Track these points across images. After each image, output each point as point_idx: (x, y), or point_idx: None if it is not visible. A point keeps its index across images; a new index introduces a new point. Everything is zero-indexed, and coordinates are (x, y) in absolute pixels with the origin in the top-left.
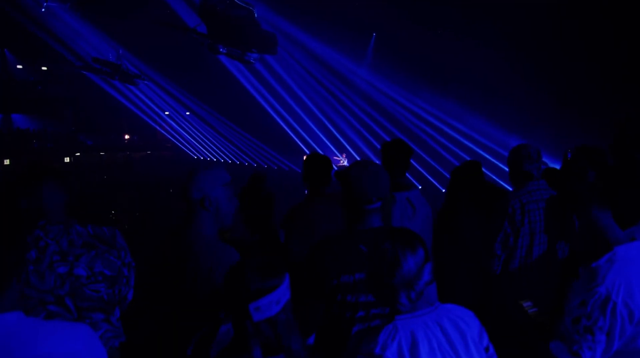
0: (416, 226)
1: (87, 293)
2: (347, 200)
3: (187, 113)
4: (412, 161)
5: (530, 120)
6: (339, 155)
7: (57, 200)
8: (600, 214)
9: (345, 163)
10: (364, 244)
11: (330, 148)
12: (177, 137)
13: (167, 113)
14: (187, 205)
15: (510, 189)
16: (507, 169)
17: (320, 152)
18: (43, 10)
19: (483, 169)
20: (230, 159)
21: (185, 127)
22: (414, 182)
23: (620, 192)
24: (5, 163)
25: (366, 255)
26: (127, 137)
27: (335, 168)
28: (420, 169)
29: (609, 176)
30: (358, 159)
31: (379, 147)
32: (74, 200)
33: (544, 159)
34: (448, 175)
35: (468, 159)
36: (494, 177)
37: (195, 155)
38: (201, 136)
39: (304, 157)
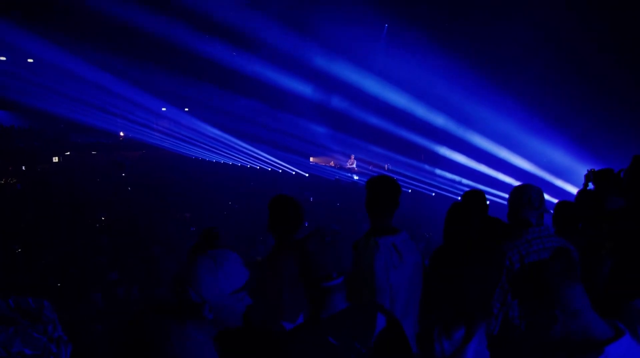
0: (403, 276)
1: None
2: (305, 277)
3: (186, 109)
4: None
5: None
6: (347, 157)
7: None
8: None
9: (355, 166)
10: (332, 336)
11: (337, 150)
12: (175, 135)
13: (164, 109)
14: (178, 302)
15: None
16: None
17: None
18: None
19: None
20: (231, 161)
21: (183, 126)
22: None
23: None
24: None
25: (338, 350)
26: (121, 134)
27: (350, 174)
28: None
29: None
30: (366, 163)
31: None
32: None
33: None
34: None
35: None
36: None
37: (194, 155)
38: (200, 136)
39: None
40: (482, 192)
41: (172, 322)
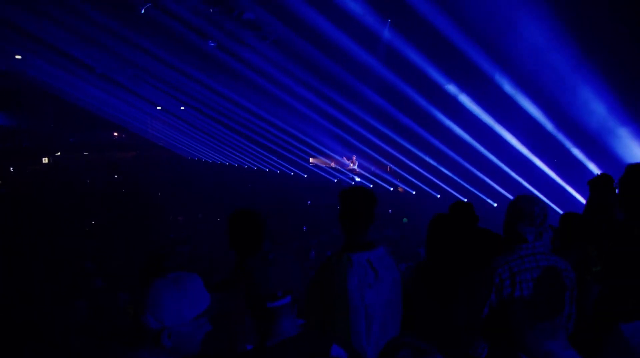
0: (380, 296)
1: None
2: (249, 298)
3: (182, 108)
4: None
5: None
6: (348, 157)
7: None
8: None
9: (356, 167)
10: None
11: (338, 149)
12: (170, 135)
13: (159, 107)
14: (135, 329)
15: None
16: None
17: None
18: None
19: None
20: (228, 162)
21: (179, 125)
22: None
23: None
24: None
25: None
26: (115, 134)
27: (350, 174)
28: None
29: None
30: (369, 162)
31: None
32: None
33: None
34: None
35: None
36: None
37: (190, 156)
38: (197, 135)
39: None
40: (470, 204)
41: (126, 350)
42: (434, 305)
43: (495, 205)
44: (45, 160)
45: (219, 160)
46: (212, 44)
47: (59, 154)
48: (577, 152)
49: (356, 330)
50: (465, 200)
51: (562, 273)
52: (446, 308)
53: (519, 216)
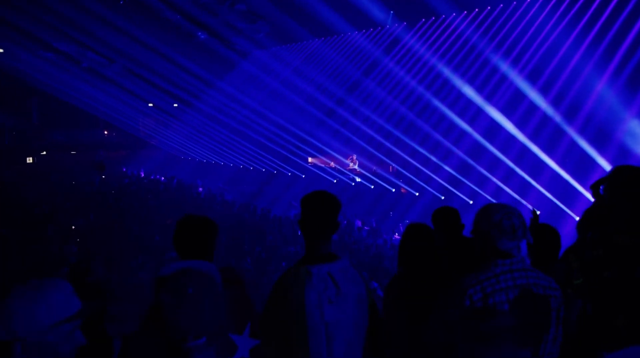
0: (342, 313)
1: None
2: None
3: (175, 105)
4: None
5: None
6: (348, 156)
7: None
8: None
9: (357, 166)
10: None
11: (337, 149)
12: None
13: (151, 104)
14: None
15: None
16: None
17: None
18: None
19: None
20: (223, 161)
21: (171, 123)
22: None
23: None
24: None
25: None
26: (105, 133)
27: (350, 175)
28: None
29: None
30: (369, 161)
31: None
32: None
33: None
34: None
35: None
36: None
37: (184, 155)
38: (193, 134)
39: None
40: (454, 209)
41: None
42: (407, 324)
43: None
44: (29, 160)
45: (213, 160)
46: (202, 36)
47: (44, 153)
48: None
49: (316, 351)
50: (471, 202)
51: (545, 291)
52: (419, 329)
53: (499, 232)
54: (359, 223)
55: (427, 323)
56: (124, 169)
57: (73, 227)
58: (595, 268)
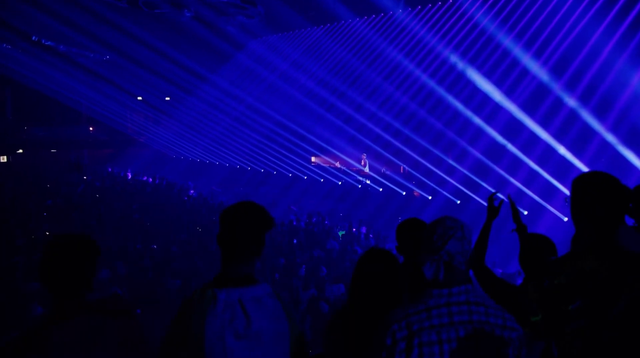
0: (252, 352)
1: None
2: None
3: (167, 98)
4: None
5: None
6: (357, 156)
7: None
8: None
9: (367, 168)
10: None
11: (343, 147)
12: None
13: (140, 98)
14: None
15: None
16: None
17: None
18: None
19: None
20: (218, 161)
21: (163, 119)
22: None
23: None
24: None
25: None
26: (91, 129)
27: (357, 177)
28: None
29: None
30: (377, 161)
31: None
32: None
33: None
34: None
35: None
36: None
37: (175, 154)
38: (185, 131)
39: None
40: (422, 222)
41: None
42: None
43: (526, 212)
44: (3, 159)
45: (207, 160)
46: (188, 14)
47: (20, 151)
48: None
49: None
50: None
51: (498, 331)
52: None
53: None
54: (364, 230)
55: None
56: (110, 170)
57: (47, 233)
58: (556, 301)
